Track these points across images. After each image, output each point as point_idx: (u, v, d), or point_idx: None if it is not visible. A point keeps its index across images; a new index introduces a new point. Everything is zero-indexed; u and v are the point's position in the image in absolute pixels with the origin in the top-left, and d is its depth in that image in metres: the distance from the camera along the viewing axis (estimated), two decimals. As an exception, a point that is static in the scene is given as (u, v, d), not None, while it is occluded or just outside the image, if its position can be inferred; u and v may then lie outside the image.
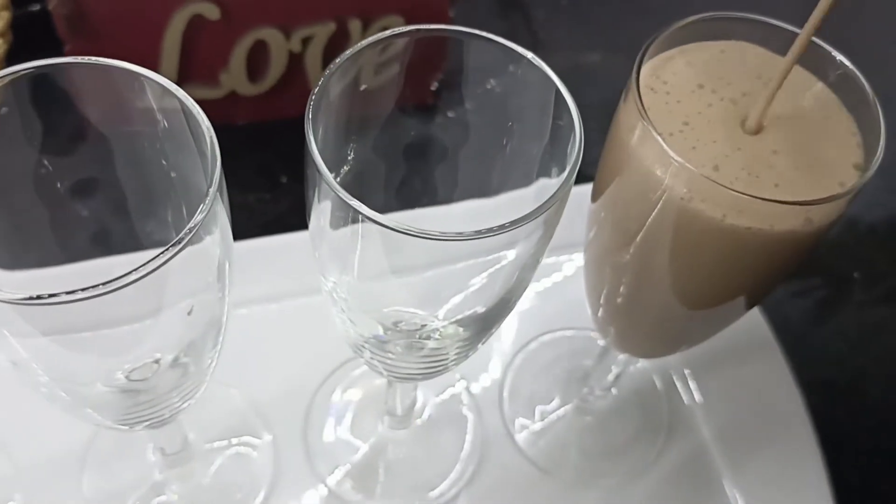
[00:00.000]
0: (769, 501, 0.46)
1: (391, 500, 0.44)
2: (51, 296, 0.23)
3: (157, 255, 0.24)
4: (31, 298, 0.23)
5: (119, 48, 0.51)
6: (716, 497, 0.46)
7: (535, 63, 0.28)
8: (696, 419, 0.48)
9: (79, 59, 0.27)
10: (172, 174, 0.30)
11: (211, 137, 0.26)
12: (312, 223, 0.30)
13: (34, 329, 0.26)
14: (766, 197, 0.27)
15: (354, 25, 0.54)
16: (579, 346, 0.51)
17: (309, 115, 0.27)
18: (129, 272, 0.24)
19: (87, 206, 0.31)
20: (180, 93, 0.26)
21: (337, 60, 0.28)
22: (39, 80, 0.27)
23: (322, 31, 0.54)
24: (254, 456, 0.45)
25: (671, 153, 0.27)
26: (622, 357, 0.45)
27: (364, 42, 0.29)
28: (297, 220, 0.55)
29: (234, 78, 0.55)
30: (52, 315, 0.25)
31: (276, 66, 0.55)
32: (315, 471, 0.45)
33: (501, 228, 0.26)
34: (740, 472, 0.46)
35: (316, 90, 0.28)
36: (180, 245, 0.24)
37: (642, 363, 0.49)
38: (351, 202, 0.26)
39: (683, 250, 0.30)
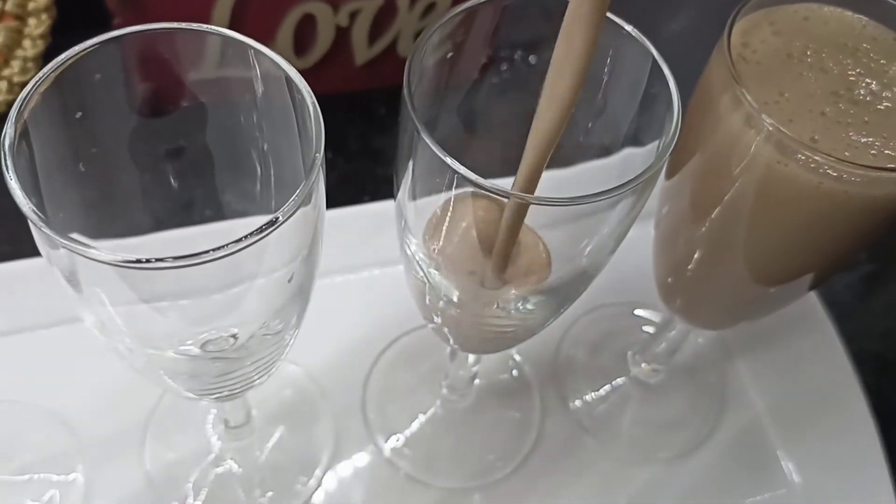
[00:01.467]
0: (825, 473, 0.46)
1: (451, 472, 0.45)
2: (150, 260, 0.23)
3: (267, 224, 0.24)
4: (132, 261, 0.23)
5: (168, 21, 0.51)
6: (771, 469, 0.46)
7: (634, 35, 0.28)
8: (750, 393, 0.48)
9: (175, 24, 0.27)
10: (265, 146, 0.29)
11: (313, 103, 0.26)
12: (402, 189, 0.30)
13: (129, 291, 0.26)
14: (867, 164, 0.27)
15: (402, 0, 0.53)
16: (632, 321, 0.51)
17: (406, 79, 0.27)
18: (241, 238, 0.23)
19: (175, 173, 0.31)
20: (283, 62, 0.26)
21: (429, 30, 0.28)
22: (133, 47, 0.27)
23: (370, 6, 0.53)
24: (313, 428, 0.45)
25: (774, 124, 0.27)
26: (678, 332, 0.45)
27: (455, 10, 0.29)
28: (343, 195, 0.55)
29: (281, 52, 0.53)
30: (147, 280, 0.25)
31: (323, 41, 0.55)
32: (374, 443, 0.45)
33: (604, 194, 0.26)
34: (795, 445, 0.47)
35: (411, 58, 0.27)
36: (291, 212, 0.24)
37: (696, 338, 0.49)
38: (446, 158, 0.26)
39: (775, 219, 0.30)
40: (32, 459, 0.43)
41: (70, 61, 0.26)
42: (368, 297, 0.49)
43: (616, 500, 0.45)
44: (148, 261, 0.23)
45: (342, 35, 0.55)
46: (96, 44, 0.26)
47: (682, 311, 0.40)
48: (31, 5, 0.54)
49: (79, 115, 0.27)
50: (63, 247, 0.23)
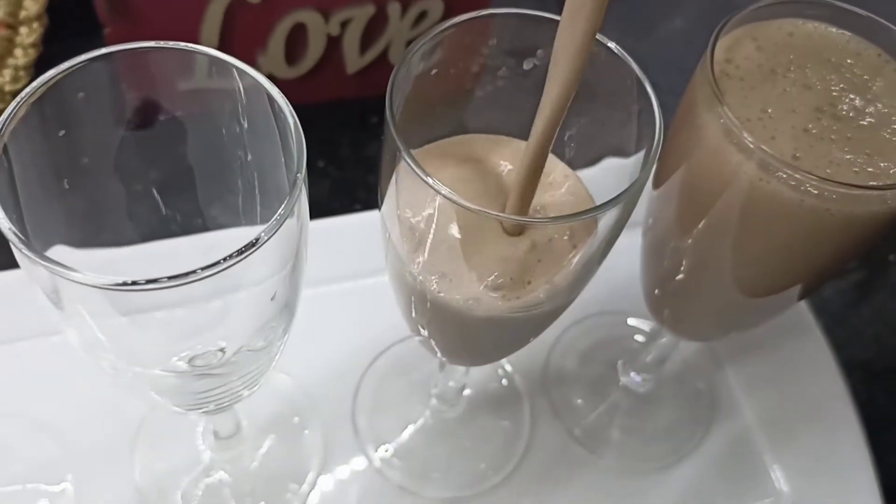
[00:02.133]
0: (813, 482, 0.46)
1: (442, 482, 0.45)
2: (136, 282, 0.23)
3: (250, 243, 0.24)
4: (116, 285, 0.23)
5: (159, 31, 0.51)
6: (760, 478, 0.46)
7: (616, 51, 0.28)
8: (739, 401, 0.48)
9: (157, 43, 0.27)
10: (249, 160, 0.29)
11: (295, 122, 0.26)
12: (386, 203, 0.30)
13: (112, 310, 0.26)
14: (849, 182, 0.27)
15: (393, 8, 0.53)
16: (621, 330, 0.51)
17: (390, 95, 0.27)
18: (225, 258, 0.23)
19: (160, 189, 0.31)
20: (265, 81, 0.26)
21: (417, 43, 0.28)
22: (116, 65, 0.27)
23: (361, 14, 0.53)
24: (303, 439, 0.45)
25: (755, 142, 0.28)
26: (667, 341, 0.45)
27: (443, 25, 0.29)
28: (336, 203, 0.56)
29: (272, 61, 0.54)
30: (130, 299, 0.25)
31: (314, 50, 0.55)
32: (364, 453, 0.45)
33: (591, 211, 0.26)
34: (784, 453, 0.47)
35: (394, 76, 0.27)
36: (273, 230, 0.24)
37: (685, 347, 0.49)
38: (427, 179, 0.26)
39: (759, 234, 0.30)
40: (22, 470, 0.43)
41: (53, 81, 0.26)
42: (359, 307, 0.49)
43: (605, 509, 0.45)
44: (135, 283, 0.23)
45: (333, 44, 0.55)
46: (80, 62, 0.26)
47: (670, 323, 0.40)
48: (22, 14, 0.54)
49: (62, 132, 0.27)
50: (44, 267, 0.23)
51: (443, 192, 0.26)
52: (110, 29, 0.50)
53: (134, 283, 0.23)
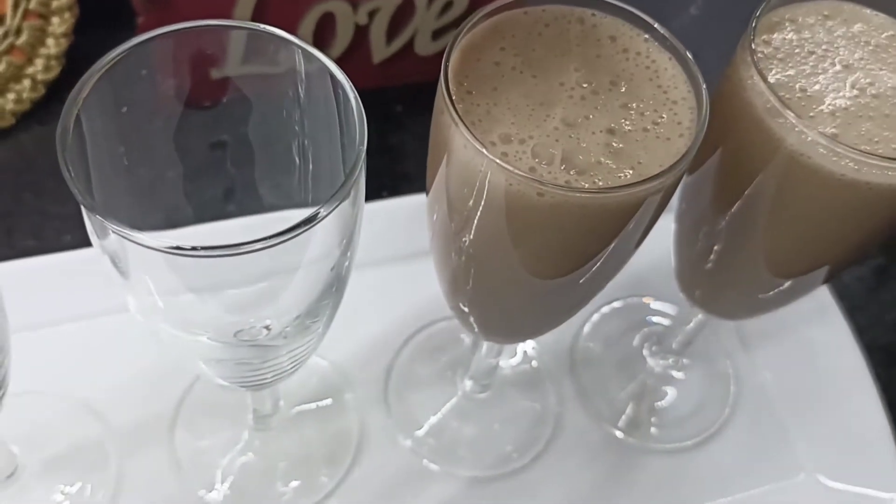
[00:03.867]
0: (837, 460, 0.47)
1: (472, 462, 0.45)
2: (195, 248, 0.24)
3: (308, 218, 0.24)
4: (185, 249, 0.24)
5: (191, 20, 0.52)
6: (785, 456, 0.47)
7: (661, 30, 0.29)
8: (765, 383, 0.49)
9: (219, 21, 0.28)
10: (306, 141, 0.30)
11: (356, 97, 0.27)
12: (437, 182, 0.30)
13: (174, 278, 0.27)
14: (891, 156, 0.28)
15: (420, -2, 0.54)
16: (648, 313, 0.52)
17: (445, 66, 0.28)
18: (287, 230, 0.24)
19: (217, 166, 0.32)
20: (327, 59, 0.27)
21: (475, 16, 0.29)
22: (179, 43, 0.28)
23: (388, 4, 0.54)
24: (338, 419, 0.46)
25: (796, 117, 0.28)
26: (694, 324, 0.46)
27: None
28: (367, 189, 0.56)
29: (301, 50, 0.55)
30: (192, 268, 0.26)
31: (342, 39, 0.55)
32: (397, 433, 0.46)
33: (640, 184, 0.27)
34: (808, 433, 0.48)
35: (453, 42, 0.28)
36: (333, 207, 0.25)
37: (711, 330, 0.50)
38: (483, 150, 0.26)
39: (797, 210, 0.31)
40: (64, 448, 0.43)
41: (121, 56, 0.26)
42: (388, 292, 0.49)
43: (631, 489, 0.46)
44: (195, 248, 0.24)
45: (361, 33, 0.56)
46: (145, 40, 0.27)
47: (701, 302, 0.41)
48: (54, 4, 0.55)
49: (125, 109, 0.28)
50: (115, 233, 0.24)
51: (497, 161, 0.26)
52: (143, 18, 0.51)
53: (193, 248, 0.24)
